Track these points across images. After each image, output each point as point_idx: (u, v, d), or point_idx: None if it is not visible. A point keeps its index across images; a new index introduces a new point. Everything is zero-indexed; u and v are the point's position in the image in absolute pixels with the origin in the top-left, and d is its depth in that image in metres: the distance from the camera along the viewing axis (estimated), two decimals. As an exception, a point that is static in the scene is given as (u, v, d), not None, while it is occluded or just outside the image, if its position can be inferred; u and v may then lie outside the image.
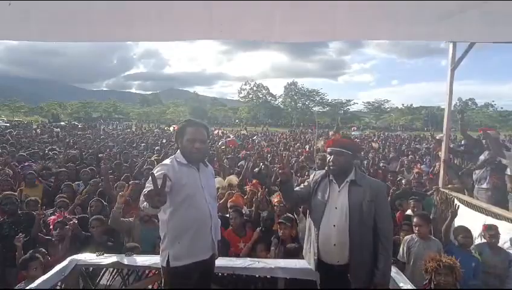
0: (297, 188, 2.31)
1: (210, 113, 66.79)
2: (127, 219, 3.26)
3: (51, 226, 3.20)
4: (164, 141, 12.89)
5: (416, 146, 12.92)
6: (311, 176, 2.29)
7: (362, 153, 8.90)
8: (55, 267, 2.49)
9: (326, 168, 2.20)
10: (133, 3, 1.52)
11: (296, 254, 2.78)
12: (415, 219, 3.08)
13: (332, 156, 2.12)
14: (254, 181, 4.64)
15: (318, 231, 2.06)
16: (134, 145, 11.38)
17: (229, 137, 14.14)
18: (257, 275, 2.51)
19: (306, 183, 2.29)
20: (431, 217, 4.13)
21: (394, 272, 2.27)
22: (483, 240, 3.17)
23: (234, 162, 6.94)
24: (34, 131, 17.64)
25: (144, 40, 1.97)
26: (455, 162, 5.04)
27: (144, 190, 1.70)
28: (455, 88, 4.11)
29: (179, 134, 2.06)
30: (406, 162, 7.48)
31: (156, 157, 6.88)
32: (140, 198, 1.76)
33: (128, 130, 23.24)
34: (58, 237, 3.13)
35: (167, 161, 2.02)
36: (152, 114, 62.02)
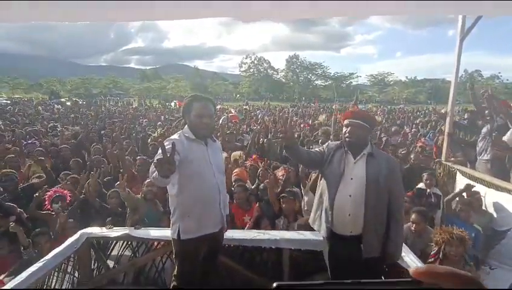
0: (309, 150, 2.26)
1: (211, 88, 66.00)
2: (136, 196, 3.32)
3: (46, 202, 3.24)
4: (167, 116, 12.86)
5: (417, 121, 12.70)
6: (325, 145, 2.23)
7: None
8: (67, 240, 2.58)
9: (341, 139, 2.15)
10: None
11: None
12: (413, 215, 2.99)
13: (349, 128, 2.07)
14: (254, 156, 4.67)
15: (333, 201, 2.02)
16: (140, 121, 11.35)
17: (231, 112, 14.07)
18: (263, 247, 2.60)
19: (320, 150, 2.22)
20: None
21: None
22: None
23: (234, 138, 6.94)
24: (35, 108, 17.57)
25: (158, 19, 1.99)
26: (459, 135, 5.00)
27: (154, 160, 1.71)
28: (461, 59, 4.02)
29: (185, 109, 2.05)
30: (409, 136, 7.45)
31: (160, 132, 6.90)
32: (150, 169, 1.79)
33: (131, 106, 23.07)
34: (60, 209, 3.19)
35: (175, 136, 2.03)
36: (152, 90, 61.37)
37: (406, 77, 66.07)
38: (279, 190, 3.33)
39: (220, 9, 1.74)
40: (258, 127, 7.91)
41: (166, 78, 74.74)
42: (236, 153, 4.58)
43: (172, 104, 26.44)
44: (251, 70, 69.23)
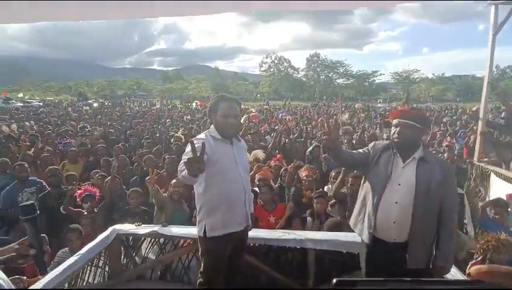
0: (353, 152, 2.17)
1: (231, 88, 66.44)
2: (163, 194, 3.40)
3: (78, 199, 3.40)
4: (189, 117, 13.10)
5: (443, 120, 12.12)
6: (370, 145, 2.10)
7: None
8: (98, 237, 2.68)
9: (390, 140, 2.03)
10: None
11: (340, 228, 2.70)
12: None
13: (398, 128, 1.93)
14: (278, 156, 4.66)
15: (377, 206, 1.90)
16: (162, 121, 11.63)
17: (252, 112, 14.13)
18: (288, 246, 2.58)
19: (364, 150, 2.10)
20: (464, 190, 4.03)
21: None
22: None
23: (257, 138, 6.97)
24: (65, 109, 18.49)
25: (157, 16, 2.02)
26: (494, 134, 4.77)
27: (183, 158, 1.75)
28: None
29: (212, 110, 2.08)
30: (438, 135, 7.17)
31: (183, 133, 7.05)
32: (179, 168, 1.83)
33: (154, 107, 23.65)
34: (90, 208, 3.34)
35: (202, 135, 2.07)
36: (174, 90, 62.46)
37: (433, 73, 63.56)
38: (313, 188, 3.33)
39: (219, 7, 1.75)
40: (280, 127, 7.90)
41: (188, 78, 75.89)
42: (258, 152, 4.59)
43: (194, 104, 26.87)
44: (271, 69, 68.96)
